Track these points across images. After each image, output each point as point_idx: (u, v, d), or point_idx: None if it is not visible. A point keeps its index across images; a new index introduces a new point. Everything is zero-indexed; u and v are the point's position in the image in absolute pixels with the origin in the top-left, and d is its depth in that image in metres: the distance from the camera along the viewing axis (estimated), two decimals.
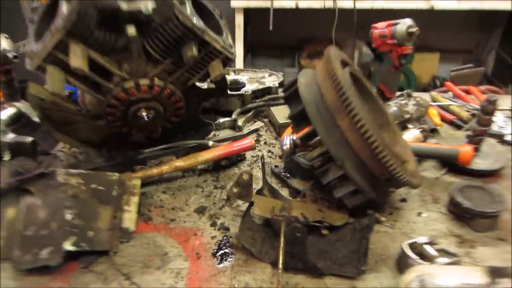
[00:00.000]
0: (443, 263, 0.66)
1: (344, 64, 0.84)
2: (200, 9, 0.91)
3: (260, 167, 0.90)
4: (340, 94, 0.68)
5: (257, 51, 3.80)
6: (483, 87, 1.60)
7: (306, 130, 0.76)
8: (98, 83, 0.85)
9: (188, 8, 0.81)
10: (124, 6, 0.76)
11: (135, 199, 0.84)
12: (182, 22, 0.78)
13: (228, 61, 0.91)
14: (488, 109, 0.95)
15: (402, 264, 0.71)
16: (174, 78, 0.90)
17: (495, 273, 0.52)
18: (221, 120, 1.22)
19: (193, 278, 0.70)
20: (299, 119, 0.76)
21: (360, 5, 2.86)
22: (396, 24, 1.19)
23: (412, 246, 0.71)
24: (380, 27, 1.24)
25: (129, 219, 0.82)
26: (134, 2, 0.77)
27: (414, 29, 1.16)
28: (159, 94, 0.89)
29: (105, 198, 0.80)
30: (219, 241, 0.78)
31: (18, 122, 1.08)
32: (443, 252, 0.72)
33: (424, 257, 0.70)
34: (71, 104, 0.91)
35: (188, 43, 0.82)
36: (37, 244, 0.73)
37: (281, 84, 1.38)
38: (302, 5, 2.88)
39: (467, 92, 1.50)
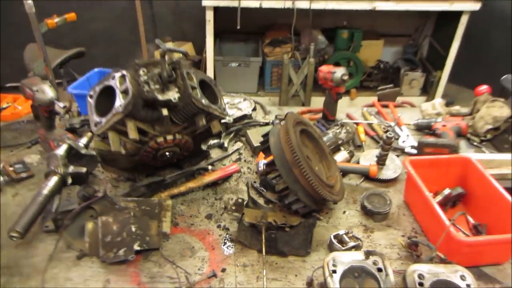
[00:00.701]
0: (350, 246, 1.22)
1: (299, 122, 1.33)
2: (203, 83, 1.35)
3: (244, 182, 1.40)
4: (294, 155, 1.18)
5: (224, 36, 4.15)
6: (400, 100, 2.15)
7: (275, 173, 1.27)
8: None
9: (199, 93, 1.26)
10: (160, 97, 1.20)
11: (168, 213, 1.33)
12: (196, 105, 1.23)
13: (222, 119, 1.38)
14: (387, 142, 1.49)
15: (330, 247, 1.26)
16: (188, 131, 1.36)
17: (368, 253, 1.07)
18: (212, 142, 1.70)
19: (212, 262, 1.21)
20: (271, 164, 1.27)
21: (314, 6, 3.32)
22: (334, 72, 1.68)
23: (336, 236, 1.26)
24: (323, 71, 1.73)
25: (166, 226, 1.30)
26: (166, 94, 1.21)
27: (346, 77, 1.67)
28: (178, 143, 1.35)
29: (151, 214, 1.28)
30: (224, 238, 1.29)
31: (70, 153, 1.49)
32: (354, 238, 1.27)
33: (342, 242, 1.25)
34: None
35: (200, 115, 1.28)
36: (115, 246, 1.20)
37: (253, 109, 1.86)
38: (265, 5, 3.30)
39: (387, 106, 2.05)
